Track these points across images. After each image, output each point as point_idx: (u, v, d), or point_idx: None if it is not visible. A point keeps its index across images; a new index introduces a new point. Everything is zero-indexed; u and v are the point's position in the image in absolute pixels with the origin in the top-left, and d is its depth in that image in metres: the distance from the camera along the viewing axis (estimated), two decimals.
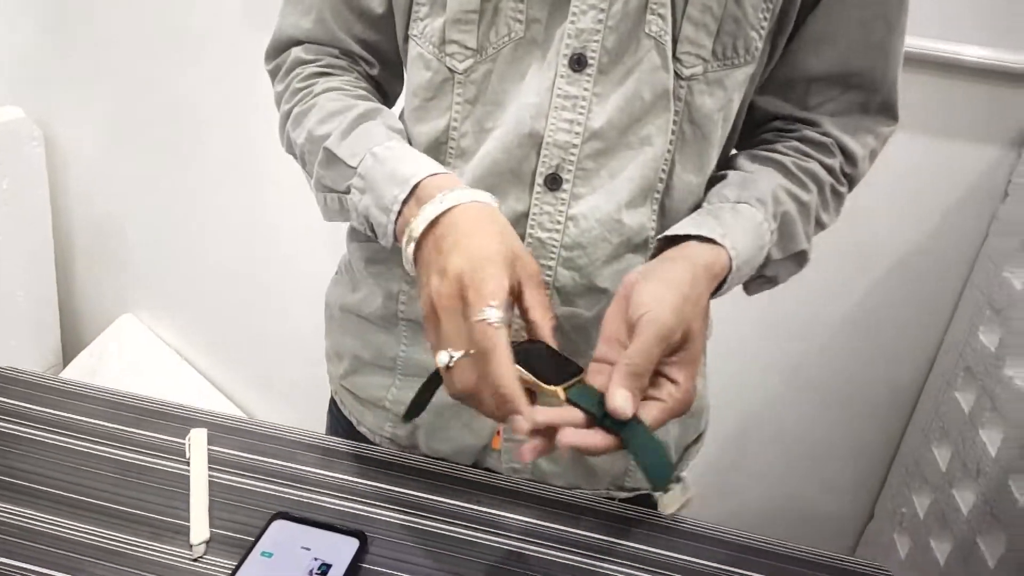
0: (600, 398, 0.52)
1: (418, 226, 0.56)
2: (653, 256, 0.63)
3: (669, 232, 0.62)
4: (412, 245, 0.57)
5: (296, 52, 0.72)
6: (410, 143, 0.68)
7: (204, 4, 1.49)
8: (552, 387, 0.52)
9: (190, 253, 1.74)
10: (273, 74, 0.75)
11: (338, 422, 0.85)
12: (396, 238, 0.60)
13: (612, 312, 0.56)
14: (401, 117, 0.71)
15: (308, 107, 0.69)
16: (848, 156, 0.70)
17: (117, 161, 1.69)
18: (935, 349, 1.50)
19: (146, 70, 1.58)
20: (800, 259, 0.70)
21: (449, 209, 0.56)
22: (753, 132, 0.73)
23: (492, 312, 0.50)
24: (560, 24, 0.61)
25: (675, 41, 0.61)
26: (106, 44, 1.58)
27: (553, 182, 0.64)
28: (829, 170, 0.69)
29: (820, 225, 0.71)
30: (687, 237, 0.60)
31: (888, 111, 0.70)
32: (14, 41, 1.62)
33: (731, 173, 0.68)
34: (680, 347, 0.54)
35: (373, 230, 0.62)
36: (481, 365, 0.51)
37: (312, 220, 0.82)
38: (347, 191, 0.64)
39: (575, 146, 0.63)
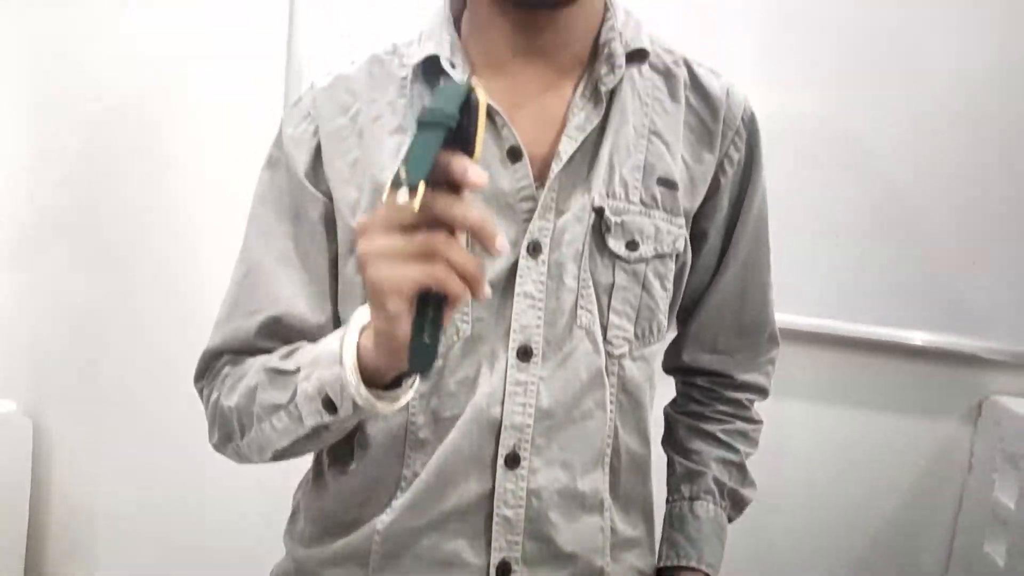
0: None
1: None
2: None
3: (662, 564, 0.80)
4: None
5: (225, 359, 0.73)
6: (367, 442, 0.70)
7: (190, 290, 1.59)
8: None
9: (163, 544, 1.70)
10: (203, 387, 0.74)
11: None
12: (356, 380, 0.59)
13: None
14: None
15: (243, 372, 0.69)
16: (761, 390, 0.88)
17: (100, 454, 1.71)
18: None
19: (136, 361, 1.65)
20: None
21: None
22: (683, 375, 0.88)
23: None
24: (503, 321, 0.69)
25: (604, 328, 0.71)
26: (100, 338, 1.66)
27: (513, 461, 0.69)
28: (747, 420, 0.87)
29: (748, 456, 0.86)
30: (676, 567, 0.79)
31: (773, 339, 0.88)
32: (9, 333, 1.71)
33: (678, 463, 0.84)
34: None
35: (330, 402, 0.61)
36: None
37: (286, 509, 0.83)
38: (294, 396, 0.63)
39: (529, 426, 0.69)
